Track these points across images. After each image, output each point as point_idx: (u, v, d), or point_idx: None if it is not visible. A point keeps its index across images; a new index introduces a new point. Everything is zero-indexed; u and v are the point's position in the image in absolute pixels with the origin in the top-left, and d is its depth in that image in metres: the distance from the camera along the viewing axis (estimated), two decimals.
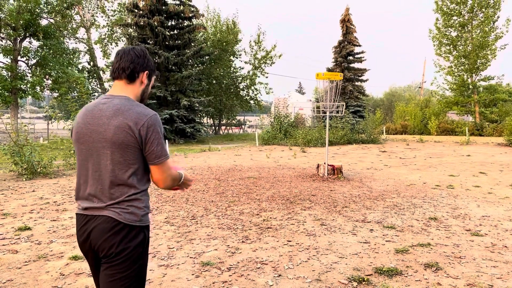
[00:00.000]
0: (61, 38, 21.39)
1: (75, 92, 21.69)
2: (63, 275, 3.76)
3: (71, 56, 22.15)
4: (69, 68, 20.91)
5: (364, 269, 3.87)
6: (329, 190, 7.98)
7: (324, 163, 9.69)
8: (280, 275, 3.75)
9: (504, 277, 3.68)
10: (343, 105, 11.03)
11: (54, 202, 6.88)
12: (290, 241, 4.75)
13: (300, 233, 5.07)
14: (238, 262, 4.06)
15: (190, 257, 4.20)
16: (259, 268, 3.92)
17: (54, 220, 5.67)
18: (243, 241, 4.73)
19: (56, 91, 20.95)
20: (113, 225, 1.90)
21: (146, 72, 2.08)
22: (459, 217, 5.86)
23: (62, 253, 4.33)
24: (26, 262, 4.07)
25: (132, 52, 2.05)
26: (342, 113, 11.21)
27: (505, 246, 4.55)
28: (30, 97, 21.16)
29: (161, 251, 4.38)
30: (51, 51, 20.19)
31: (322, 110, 10.46)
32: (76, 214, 2.02)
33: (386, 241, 4.75)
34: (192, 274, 3.76)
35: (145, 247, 2.00)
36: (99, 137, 1.92)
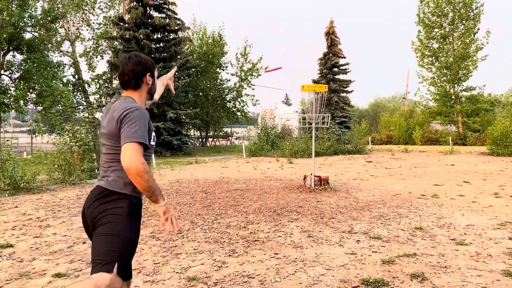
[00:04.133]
0: (46, 52, 21.21)
1: (59, 105, 21.46)
2: None
3: (56, 70, 21.98)
4: (54, 81, 20.71)
5: (351, 281, 3.87)
6: (316, 201, 7.99)
7: (311, 174, 9.72)
8: None
9: (489, 286, 3.71)
10: (328, 116, 11.13)
11: (37, 218, 6.75)
12: (277, 253, 4.73)
13: (287, 245, 5.06)
14: (225, 276, 4.03)
15: (176, 272, 4.15)
16: (246, 282, 3.89)
17: (37, 237, 5.56)
18: (230, 255, 4.69)
19: (40, 104, 20.70)
20: (100, 191, 2.24)
21: (147, 74, 2.41)
22: (444, 227, 5.92)
23: (44, 270, 4.23)
24: (7, 280, 3.97)
25: (130, 63, 2.35)
26: (328, 124, 11.28)
27: (490, 255, 4.61)
28: (13, 111, 20.86)
29: (147, 267, 4.32)
30: (35, 65, 19.99)
31: (308, 122, 10.53)
32: None
33: (372, 252, 4.77)
34: None
35: (128, 216, 2.19)
36: (102, 131, 2.34)
